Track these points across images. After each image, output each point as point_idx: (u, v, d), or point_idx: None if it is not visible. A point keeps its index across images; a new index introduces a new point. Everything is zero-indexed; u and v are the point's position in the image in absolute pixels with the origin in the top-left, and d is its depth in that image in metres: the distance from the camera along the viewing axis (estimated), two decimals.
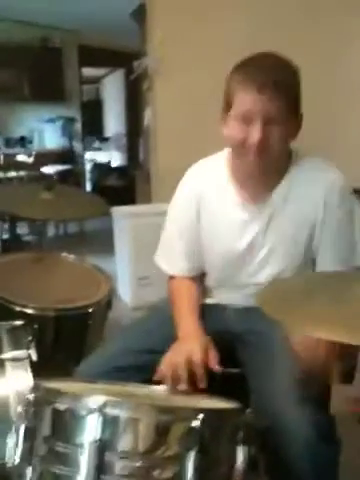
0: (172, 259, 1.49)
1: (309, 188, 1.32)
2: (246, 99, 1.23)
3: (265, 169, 1.29)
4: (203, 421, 0.89)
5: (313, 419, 1.12)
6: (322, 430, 1.12)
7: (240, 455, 0.96)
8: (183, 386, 1.19)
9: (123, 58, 6.43)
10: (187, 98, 3.62)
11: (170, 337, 1.32)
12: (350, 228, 1.33)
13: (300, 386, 1.16)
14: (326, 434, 1.14)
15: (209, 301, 1.49)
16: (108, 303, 1.90)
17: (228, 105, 1.28)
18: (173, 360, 1.22)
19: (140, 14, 4.09)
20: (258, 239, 1.35)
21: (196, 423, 0.89)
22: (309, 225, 1.33)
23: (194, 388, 1.19)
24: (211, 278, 1.49)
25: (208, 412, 0.92)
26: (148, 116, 3.91)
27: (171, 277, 1.51)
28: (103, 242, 4.36)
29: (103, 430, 0.88)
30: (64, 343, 1.77)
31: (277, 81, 1.21)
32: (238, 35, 3.58)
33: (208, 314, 1.43)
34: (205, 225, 1.41)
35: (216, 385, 1.22)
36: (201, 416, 0.89)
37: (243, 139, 1.25)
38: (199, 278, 1.49)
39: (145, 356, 1.34)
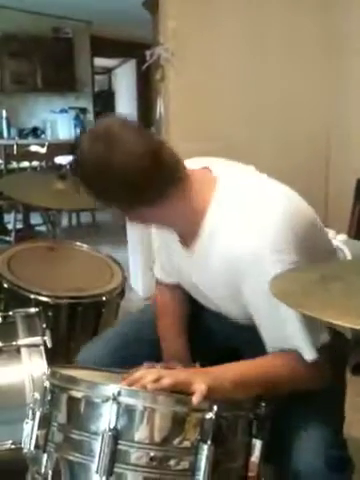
0: (158, 263, 1.44)
1: (231, 237, 1.07)
2: None
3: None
4: (217, 413, 0.90)
5: (325, 453, 1.05)
6: (334, 462, 1.05)
7: (256, 448, 0.96)
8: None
9: (135, 48, 6.41)
10: (199, 88, 3.61)
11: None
12: (273, 307, 1.01)
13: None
14: (338, 465, 1.07)
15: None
16: (121, 292, 1.91)
17: None
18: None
19: (152, 4, 4.07)
20: (199, 283, 1.22)
21: (210, 415, 0.89)
22: (235, 285, 1.09)
23: None
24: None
25: (222, 404, 0.92)
26: (160, 106, 3.90)
27: (156, 288, 1.45)
28: (115, 233, 4.38)
29: (118, 419, 0.89)
30: (77, 331, 1.79)
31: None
32: (251, 25, 3.56)
33: (212, 320, 1.32)
34: (168, 253, 1.32)
35: None
36: (215, 408, 0.90)
37: None
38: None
39: (147, 346, 1.33)
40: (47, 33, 6.58)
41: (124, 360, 1.22)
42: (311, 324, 1.02)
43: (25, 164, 5.41)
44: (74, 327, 1.79)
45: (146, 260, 3.60)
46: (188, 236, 1.16)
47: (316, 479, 1.05)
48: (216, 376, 0.99)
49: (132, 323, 1.47)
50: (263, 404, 0.98)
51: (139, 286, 3.69)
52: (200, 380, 0.94)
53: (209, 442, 0.88)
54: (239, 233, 1.05)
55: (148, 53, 3.79)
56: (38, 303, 1.63)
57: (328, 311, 0.75)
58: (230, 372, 1.02)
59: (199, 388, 0.91)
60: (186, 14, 3.58)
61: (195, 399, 0.90)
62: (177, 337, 1.32)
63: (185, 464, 0.89)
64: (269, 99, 3.58)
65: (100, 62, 8.38)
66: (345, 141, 3.41)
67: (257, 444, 0.97)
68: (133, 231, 3.76)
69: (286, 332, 1.04)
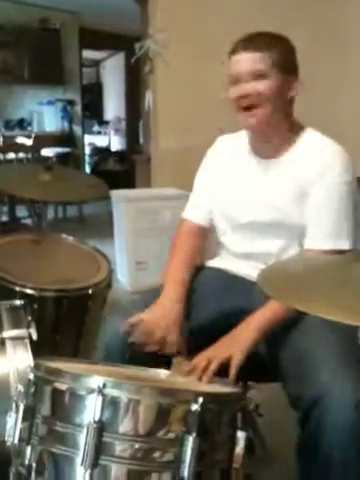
0: (194, 207, 1.60)
1: (312, 158, 1.38)
2: (234, 61, 1.34)
3: (261, 124, 1.37)
4: (202, 405, 0.90)
5: (356, 388, 1.12)
6: None
7: (240, 440, 0.96)
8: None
9: (124, 41, 6.38)
10: (188, 81, 3.60)
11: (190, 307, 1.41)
12: (338, 207, 1.36)
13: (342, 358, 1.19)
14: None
15: (238, 272, 1.53)
16: (108, 285, 1.90)
17: (228, 74, 1.37)
18: (150, 326, 1.31)
19: None
20: (261, 194, 1.44)
21: (195, 406, 0.89)
22: (305, 191, 1.38)
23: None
24: (230, 247, 1.56)
25: (208, 396, 0.92)
26: (148, 99, 3.88)
27: (179, 232, 1.59)
28: (102, 226, 4.36)
29: (102, 411, 0.88)
30: (64, 323, 1.78)
31: (261, 40, 1.34)
32: (239, 18, 3.55)
33: (236, 288, 1.48)
34: (222, 181, 1.53)
35: None
36: (201, 400, 0.90)
37: (236, 97, 1.35)
38: (205, 238, 1.60)
39: None
40: (35, 24, 6.50)
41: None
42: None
43: (11, 156, 5.35)
44: (60, 320, 1.78)
45: (132, 253, 3.59)
46: (274, 151, 1.42)
47: (338, 402, 1.10)
48: (244, 338, 1.26)
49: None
50: (248, 396, 0.99)
51: (126, 279, 3.68)
52: (236, 351, 1.23)
53: (194, 434, 0.88)
54: (326, 145, 1.39)
55: (137, 46, 3.77)
56: (23, 295, 1.62)
57: (314, 303, 0.76)
58: (251, 327, 1.29)
59: (235, 362, 1.21)
60: (176, 7, 3.57)
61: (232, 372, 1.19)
62: (180, 272, 1.46)
63: (170, 456, 0.89)
64: None
65: (88, 54, 8.32)
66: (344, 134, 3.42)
67: (241, 436, 0.97)
68: (120, 225, 3.75)
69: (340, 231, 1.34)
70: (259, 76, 1.32)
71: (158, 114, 3.78)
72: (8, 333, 1.32)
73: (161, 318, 1.34)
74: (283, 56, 1.35)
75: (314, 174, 1.36)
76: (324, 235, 1.35)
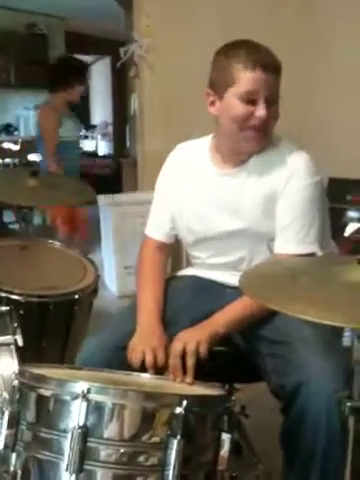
0: (155, 223, 1.58)
1: (277, 163, 1.39)
2: (254, 79, 1.30)
3: (261, 147, 1.38)
4: (187, 407, 0.90)
5: (336, 375, 1.14)
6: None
7: (225, 443, 0.97)
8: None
9: (110, 45, 6.38)
10: (174, 85, 3.61)
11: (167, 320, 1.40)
12: (305, 211, 1.36)
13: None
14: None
15: (207, 276, 1.53)
16: (94, 290, 1.90)
17: (226, 84, 1.34)
18: (138, 352, 1.28)
19: (127, 0, 4.05)
20: (228, 204, 1.42)
21: (179, 409, 0.90)
22: (273, 197, 1.38)
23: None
24: (194, 256, 1.56)
25: (192, 399, 0.93)
26: (134, 103, 3.89)
27: (143, 249, 1.58)
28: (90, 230, 4.34)
29: (87, 416, 0.88)
30: (50, 329, 1.77)
31: (276, 62, 1.34)
32: (224, 23, 3.57)
33: (208, 294, 1.48)
34: (182, 193, 1.50)
35: (204, 364, 1.25)
36: (185, 403, 0.90)
37: (246, 117, 1.32)
38: (168, 253, 1.60)
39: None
40: (21, 29, 6.50)
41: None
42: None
43: None
44: (46, 326, 1.77)
45: (120, 258, 3.59)
46: (243, 160, 1.40)
47: (318, 387, 1.13)
48: (210, 326, 1.29)
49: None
50: (233, 398, 0.99)
51: (113, 285, 3.68)
52: (202, 338, 1.24)
53: (178, 437, 0.89)
54: (293, 152, 1.40)
55: (122, 50, 3.78)
56: (9, 301, 1.61)
57: (294, 305, 0.77)
58: (221, 319, 1.31)
59: (201, 351, 1.23)
60: (160, 11, 3.58)
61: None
62: (153, 299, 1.44)
63: (155, 459, 0.89)
64: None
65: None
66: (317, 137, 3.45)
67: (226, 438, 0.98)
68: (107, 229, 3.75)
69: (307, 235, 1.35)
70: (272, 101, 1.33)
71: (144, 118, 3.79)
72: None
73: (146, 342, 1.31)
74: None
75: (279, 179, 1.37)
76: (293, 240, 1.36)
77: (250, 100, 1.31)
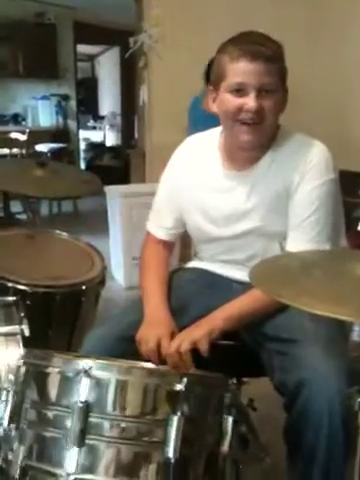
0: (158, 220, 1.54)
1: (292, 158, 1.34)
2: (239, 70, 1.26)
3: (258, 141, 1.32)
4: (187, 385, 0.91)
5: (339, 372, 1.14)
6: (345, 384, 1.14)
7: (228, 425, 0.97)
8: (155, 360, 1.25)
9: (119, 36, 6.34)
10: (182, 76, 3.58)
11: (177, 309, 1.39)
12: (320, 208, 1.32)
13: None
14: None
15: (215, 270, 1.51)
16: (101, 281, 1.89)
17: (219, 80, 1.31)
18: (145, 342, 1.27)
19: None
20: (240, 206, 1.38)
21: (180, 386, 0.90)
22: (287, 193, 1.35)
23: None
24: (203, 251, 1.54)
25: (192, 377, 0.94)
26: (143, 94, 3.87)
27: (146, 244, 1.56)
28: (97, 222, 4.34)
29: (89, 392, 0.89)
30: (57, 320, 1.77)
31: (268, 52, 1.25)
32: (234, 13, 3.54)
33: (218, 286, 1.46)
34: (189, 192, 1.46)
35: (210, 356, 1.25)
36: (185, 380, 0.91)
37: (237, 109, 1.28)
38: (172, 248, 1.58)
39: None
40: (30, 19, 6.47)
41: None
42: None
43: (5, 151, 5.33)
44: (53, 316, 1.77)
45: (127, 249, 3.58)
46: (251, 157, 1.36)
47: (321, 384, 1.12)
48: (209, 322, 1.28)
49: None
50: (234, 381, 0.99)
51: (120, 276, 3.67)
52: (202, 333, 1.24)
53: (179, 414, 0.89)
54: (304, 144, 1.34)
55: (132, 40, 3.75)
56: (16, 291, 1.61)
57: (305, 299, 0.75)
58: (219, 314, 1.30)
59: (202, 348, 1.23)
60: (170, 1, 3.55)
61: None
62: (158, 289, 1.42)
63: (156, 436, 0.90)
64: None
65: (83, 49, 8.28)
66: (328, 129, 3.42)
67: (229, 421, 0.98)
68: (114, 220, 3.74)
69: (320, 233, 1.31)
70: (266, 91, 1.26)
71: (152, 109, 3.77)
72: (0, 329, 1.32)
73: (154, 330, 1.30)
74: (283, 72, 1.31)
75: (294, 176, 1.33)
76: (304, 238, 1.33)
77: (240, 92, 1.26)
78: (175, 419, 0.89)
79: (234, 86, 1.27)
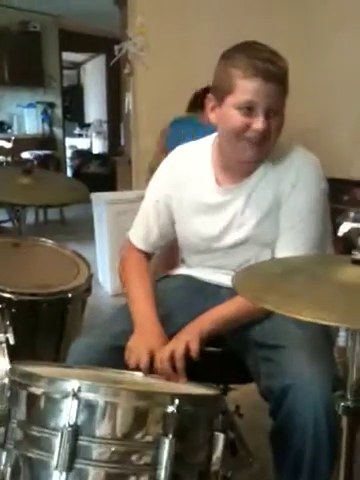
0: (143, 232, 1.50)
1: (284, 168, 1.34)
2: (252, 88, 1.22)
3: (261, 157, 1.32)
4: (179, 406, 0.89)
5: (324, 378, 1.14)
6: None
7: (219, 442, 0.96)
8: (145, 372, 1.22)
9: (104, 43, 6.36)
10: (168, 83, 3.60)
11: (164, 317, 1.37)
12: (309, 218, 1.33)
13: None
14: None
15: (203, 276, 1.50)
16: (88, 289, 1.89)
17: (225, 92, 1.26)
18: (136, 352, 1.25)
19: None
20: (236, 219, 1.38)
21: (171, 408, 0.89)
22: (278, 202, 1.35)
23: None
24: (190, 260, 1.53)
25: (184, 397, 0.92)
26: (128, 102, 3.88)
27: (127, 252, 1.54)
28: (84, 229, 4.34)
29: (78, 414, 0.88)
30: (43, 328, 1.77)
31: (280, 72, 1.23)
32: (219, 22, 3.56)
33: (206, 293, 1.46)
34: (181, 206, 1.44)
35: (197, 364, 1.24)
36: (177, 401, 0.89)
37: (243, 128, 1.25)
38: (151, 258, 1.55)
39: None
40: (15, 27, 6.47)
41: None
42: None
43: None
44: (39, 324, 1.77)
45: (114, 257, 3.57)
46: (246, 170, 1.35)
47: (306, 389, 1.12)
48: (200, 327, 1.27)
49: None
50: (225, 398, 0.99)
51: (107, 283, 3.67)
52: (192, 338, 1.23)
53: (170, 436, 0.88)
54: (297, 153, 1.35)
55: (116, 48, 3.77)
56: (1, 300, 1.60)
57: (288, 305, 0.76)
58: (209, 317, 1.30)
59: (193, 350, 1.21)
60: (154, 9, 3.57)
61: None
62: (146, 298, 1.40)
63: (147, 458, 0.88)
64: None
65: (69, 57, 8.29)
66: (315, 138, 3.45)
67: (220, 438, 0.97)
68: (100, 228, 3.73)
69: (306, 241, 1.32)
70: (274, 111, 1.25)
71: (138, 116, 3.78)
72: None
73: (145, 342, 1.28)
74: (287, 90, 1.29)
75: (285, 186, 1.33)
76: (290, 245, 1.33)
77: (248, 111, 1.23)
78: (167, 442, 0.88)
79: (243, 104, 1.23)
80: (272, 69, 1.22)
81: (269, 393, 1.22)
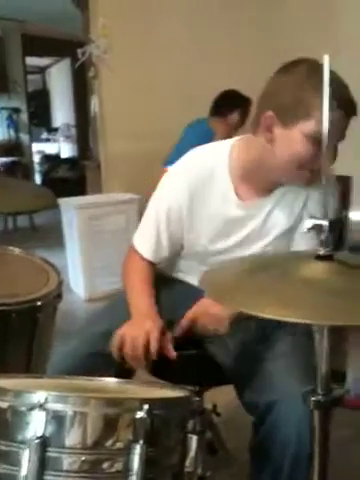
0: (152, 243, 1.43)
1: (302, 187, 1.32)
2: (332, 120, 1.16)
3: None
4: (149, 411, 0.88)
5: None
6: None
7: (192, 444, 0.96)
8: (136, 360, 1.23)
9: (68, 47, 6.29)
10: (133, 85, 3.60)
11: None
12: None
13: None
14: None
15: (191, 281, 1.47)
16: (58, 295, 1.86)
17: (297, 116, 1.16)
18: (131, 334, 1.25)
19: (82, 1, 4.02)
20: (254, 234, 1.36)
21: (141, 414, 0.88)
22: (295, 224, 1.34)
23: (146, 363, 1.24)
24: (185, 265, 1.50)
25: (154, 402, 0.91)
26: (94, 104, 3.86)
27: (131, 260, 1.48)
28: (55, 235, 4.29)
29: (46, 426, 0.86)
30: (14, 337, 1.73)
31: (355, 108, 1.18)
32: (184, 25, 3.58)
33: (188, 294, 1.41)
34: (196, 216, 1.37)
35: (174, 365, 1.25)
36: (146, 407, 0.88)
37: (311, 158, 1.18)
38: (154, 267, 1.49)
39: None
40: None
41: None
42: None
43: None
44: (9, 334, 1.72)
45: (86, 261, 3.55)
46: (267, 183, 1.32)
47: (291, 406, 1.12)
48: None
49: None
50: (197, 399, 0.98)
51: (80, 288, 3.63)
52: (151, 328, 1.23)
53: (141, 442, 0.87)
54: None
55: (80, 51, 3.74)
56: None
57: (251, 302, 0.76)
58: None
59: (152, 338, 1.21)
60: (116, 10, 3.56)
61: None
62: (147, 293, 1.37)
63: (119, 465, 0.87)
64: (204, 94, 3.60)
65: (34, 61, 8.19)
66: None
67: (193, 439, 0.97)
68: (70, 233, 3.70)
69: None
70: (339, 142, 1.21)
71: (105, 119, 3.76)
72: None
73: (141, 326, 1.28)
74: None
75: (301, 201, 1.32)
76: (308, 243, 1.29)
77: (318, 141, 1.10)
78: (137, 447, 0.87)
79: (318, 135, 1.10)
80: (352, 104, 1.17)
81: (254, 407, 1.21)
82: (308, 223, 0.87)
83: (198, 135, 3.19)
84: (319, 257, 0.85)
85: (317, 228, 0.85)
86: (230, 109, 3.41)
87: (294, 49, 3.56)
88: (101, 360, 1.27)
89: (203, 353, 1.39)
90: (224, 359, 1.35)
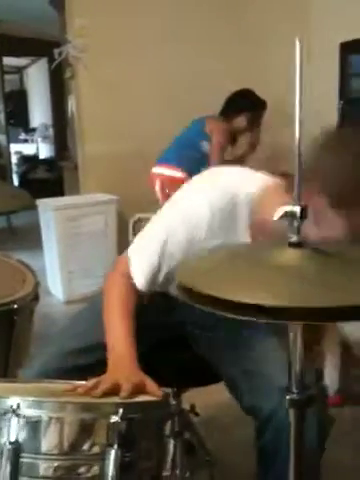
0: (150, 273, 1.30)
1: None
2: None
3: None
4: (123, 415, 0.88)
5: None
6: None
7: (170, 446, 0.96)
8: None
9: (45, 47, 6.24)
10: (110, 85, 3.59)
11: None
12: None
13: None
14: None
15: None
16: (35, 298, 1.85)
17: (349, 204, 1.05)
18: (102, 387, 1.09)
19: (59, 1, 3.99)
20: None
21: (115, 418, 0.88)
22: None
23: None
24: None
25: (128, 406, 0.91)
26: (71, 105, 3.83)
27: (119, 277, 1.34)
28: (33, 237, 4.25)
29: (19, 431, 0.86)
30: None
31: None
32: (162, 24, 3.58)
33: (176, 308, 1.37)
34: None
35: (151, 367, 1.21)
36: (121, 411, 0.88)
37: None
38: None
39: (87, 355, 1.32)
40: None
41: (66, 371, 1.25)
42: None
43: None
44: None
45: (64, 263, 3.52)
46: None
47: (279, 416, 1.11)
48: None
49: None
50: (174, 402, 0.98)
51: (58, 290, 3.60)
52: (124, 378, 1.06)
53: (115, 446, 0.87)
54: None
55: (56, 51, 3.71)
56: None
57: (224, 288, 0.76)
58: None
59: (125, 387, 1.02)
60: (93, 10, 3.54)
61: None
62: (129, 335, 1.23)
63: (95, 470, 0.87)
64: (183, 93, 3.61)
65: (11, 61, 8.11)
66: None
67: (171, 442, 0.97)
68: (48, 234, 3.66)
69: None
70: None
71: (82, 120, 3.74)
72: None
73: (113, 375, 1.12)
74: None
75: None
76: None
77: None
78: (112, 452, 0.87)
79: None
80: None
81: (257, 410, 1.19)
82: (279, 211, 0.86)
83: (195, 133, 3.13)
84: (291, 244, 0.85)
85: (289, 215, 0.84)
86: (237, 112, 3.23)
87: (267, 38, 3.62)
88: (73, 375, 1.19)
89: (190, 354, 1.39)
90: (215, 361, 1.34)
